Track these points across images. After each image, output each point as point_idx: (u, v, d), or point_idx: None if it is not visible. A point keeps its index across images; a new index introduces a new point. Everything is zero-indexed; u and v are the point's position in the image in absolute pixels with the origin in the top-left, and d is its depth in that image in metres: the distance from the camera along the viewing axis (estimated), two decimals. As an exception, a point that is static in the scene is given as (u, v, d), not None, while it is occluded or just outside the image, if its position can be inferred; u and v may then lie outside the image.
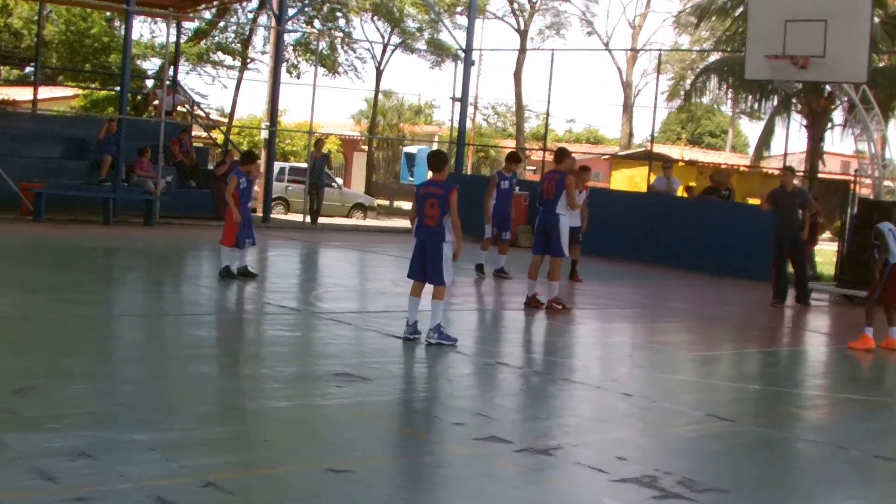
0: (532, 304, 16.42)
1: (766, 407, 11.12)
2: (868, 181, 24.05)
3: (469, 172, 50.63)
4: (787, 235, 20.54)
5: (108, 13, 40.81)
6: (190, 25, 42.80)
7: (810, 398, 12.00)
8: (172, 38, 33.97)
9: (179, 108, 33.46)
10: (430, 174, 13.01)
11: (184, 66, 43.03)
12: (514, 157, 21.66)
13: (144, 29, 48.71)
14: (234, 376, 10.50)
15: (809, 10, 21.08)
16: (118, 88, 31.65)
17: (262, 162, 32.69)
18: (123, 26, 31.58)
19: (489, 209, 20.21)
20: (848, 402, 11.83)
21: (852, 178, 26.07)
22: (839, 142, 33.87)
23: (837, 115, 32.60)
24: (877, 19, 27.88)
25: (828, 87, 28.58)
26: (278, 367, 10.82)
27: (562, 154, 17.13)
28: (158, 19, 41.69)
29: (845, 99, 23.72)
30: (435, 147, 52.55)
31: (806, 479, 8.51)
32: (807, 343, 17.51)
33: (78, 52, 42.32)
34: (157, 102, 31.26)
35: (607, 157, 55.86)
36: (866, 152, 23.65)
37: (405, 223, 39.57)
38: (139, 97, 36.67)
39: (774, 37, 21.43)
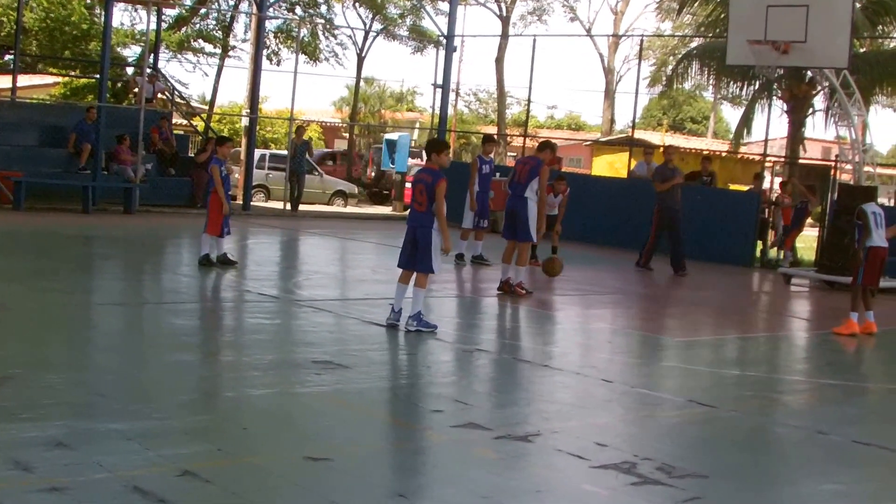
0: (506, 290, 16.47)
1: (745, 392, 11.12)
2: (849, 167, 24.06)
3: (451, 159, 50.57)
4: (671, 208, 22.08)
5: (88, 0, 40.60)
6: (170, 13, 42.56)
7: (790, 383, 12.03)
8: (153, 26, 33.83)
9: (160, 96, 33.31)
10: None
11: (164, 54, 42.77)
12: (491, 139, 21.64)
13: (125, 16, 48.50)
14: (214, 364, 10.46)
15: (791, -6, 21.09)
16: (98, 76, 31.49)
17: (242, 149, 32.66)
18: (103, 14, 31.42)
19: (474, 195, 20.14)
20: (827, 387, 11.86)
21: (833, 164, 26.12)
22: (820, 127, 33.99)
23: (818, 101, 32.68)
24: (858, 4, 27.92)
25: (809, 73, 28.60)
26: (257, 355, 10.79)
27: (544, 146, 17.28)
28: (139, 6, 41.41)
29: (826, 84, 23.75)
30: (416, 134, 52.55)
31: (785, 464, 8.52)
32: (787, 328, 17.54)
33: (57, 39, 42.01)
34: (137, 90, 31.13)
35: (589, 143, 55.87)
36: (847, 138, 23.66)
37: (386, 210, 39.60)
38: (119, 85, 36.50)
39: (756, 22, 21.42)
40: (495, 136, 23.50)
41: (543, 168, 16.56)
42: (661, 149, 24.13)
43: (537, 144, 17.80)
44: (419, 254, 12.54)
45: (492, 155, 20.96)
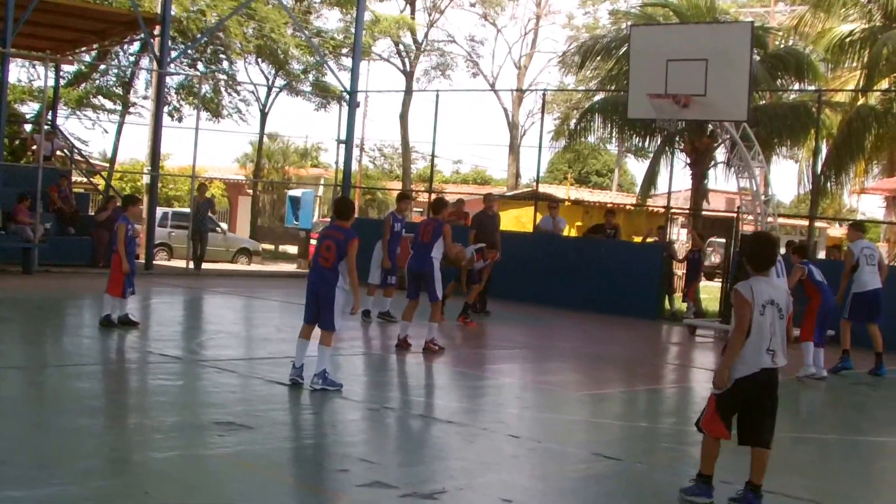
0: (403, 346, 16.45)
1: (652, 445, 11.15)
2: (751, 217, 24.34)
3: (356, 215, 50.46)
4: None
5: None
6: (69, 69, 42.19)
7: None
8: (51, 82, 33.50)
9: (59, 154, 32.92)
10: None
11: (63, 111, 42.44)
12: (407, 197, 21.71)
13: (22, 72, 47.97)
14: (116, 428, 10.24)
15: (690, 50, 21.34)
16: (-6, 134, 31.08)
17: (144, 207, 32.32)
18: None
19: (387, 253, 20.09)
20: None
21: (736, 215, 26.41)
22: (723, 179, 34.37)
23: (720, 153, 33.06)
24: (757, 58, 28.35)
25: (710, 126, 28.95)
26: (160, 418, 10.61)
27: (439, 205, 17.36)
28: (36, 62, 41.08)
29: (727, 137, 24.03)
30: (321, 190, 52.36)
31: (691, 517, 8.52)
32: (692, 380, 17.62)
33: (-49, 96, 41.54)
34: (35, 148, 30.74)
35: (497, 197, 56.11)
36: (749, 189, 23.93)
37: (290, 267, 39.39)
38: (17, 142, 36.03)
39: (656, 76, 21.65)
40: (411, 194, 23.45)
41: (445, 227, 16.69)
42: (483, 196, 24.85)
43: (433, 206, 17.88)
44: (322, 311, 12.45)
45: (406, 213, 21.01)
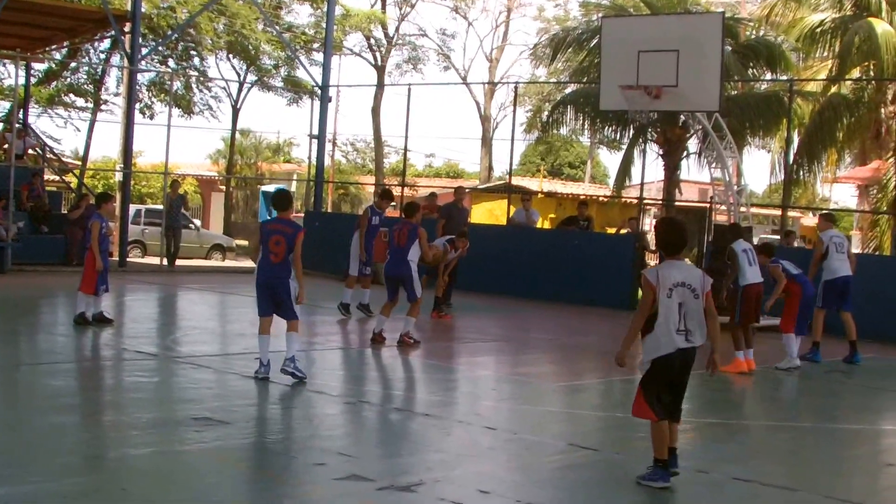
0: (378, 340, 16.47)
1: (628, 434, 11.14)
2: (724, 207, 24.45)
3: (329, 210, 50.46)
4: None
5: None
6: (40, 67, 41.96)
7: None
8: (21, 80, 33.30)
9: (31, 152, 32.75)
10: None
11: (34, 109, 42.19)
12: (388, 195, 21.60)
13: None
14: (92, 425, 10.21)
15: (662, 41, 21.41)
16: (-35, 133, 30.91)
17: (117, 205, 32.22)
18: (-30, 69, 30.95)
19: (363, 244, 20.07)
20: (708, 427, 11.96)
21: (709, 206, 26.50)
22: (695, 170, 34.49)
23: (693, 144, 33.16)
24: (728, 48, 28.42)
25: (682, 117, 29.04)
26: (136, 414, 10.58)
27: (412, 209, 17.28)
28: (6, 60, 40.85)
29: (699, 127, 24.13)
30: (294, 185, 52.25)
31: (666, 505, 8.56)
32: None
33: (-79, 94, 41.37)
34: (6, 146, 30.57)
35: (468, 190, 56.08)
36: (722, 179, 24.03)
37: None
38: (-12, 141, 35.79)
39: (628, 67, 21.71)
40: (392, 194, 23.31)
41: (420, 232, 16.76)
42: (454, 189, 24.94)
43: (405, 210, 17.75)
44: (283, 304, 12.65)
45: (385, 209, 20.91)
